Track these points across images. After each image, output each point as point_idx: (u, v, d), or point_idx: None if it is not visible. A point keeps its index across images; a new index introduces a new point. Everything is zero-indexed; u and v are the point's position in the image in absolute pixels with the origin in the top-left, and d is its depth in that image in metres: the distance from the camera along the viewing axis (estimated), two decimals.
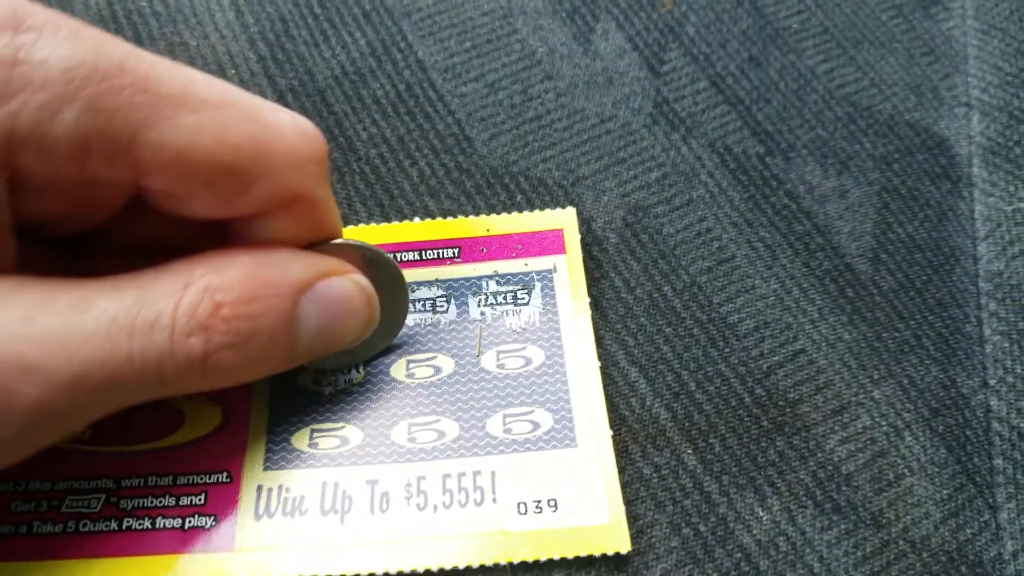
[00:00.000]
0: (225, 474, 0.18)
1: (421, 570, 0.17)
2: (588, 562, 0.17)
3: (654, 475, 0.19)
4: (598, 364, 0.20)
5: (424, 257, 0.21)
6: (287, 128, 0.15)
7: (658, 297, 0.21)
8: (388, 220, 0.22)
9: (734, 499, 0.19)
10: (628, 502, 0.19)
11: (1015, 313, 0.22)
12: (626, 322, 0.21)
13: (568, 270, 0.21)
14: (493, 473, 0.18)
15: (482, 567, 0.17)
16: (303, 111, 0.23)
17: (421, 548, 0.17)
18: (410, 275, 0.20)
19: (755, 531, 0.18)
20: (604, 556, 0.17)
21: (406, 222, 0.21)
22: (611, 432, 0.19)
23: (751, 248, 0.22)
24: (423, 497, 0.18)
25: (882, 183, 0.24)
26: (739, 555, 0.18)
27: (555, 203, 0.22)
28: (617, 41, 0.25)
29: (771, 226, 0.23)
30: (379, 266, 0.18)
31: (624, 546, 0.17)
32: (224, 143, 0.14)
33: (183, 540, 0.17)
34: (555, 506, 0.17)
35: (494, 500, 0.18)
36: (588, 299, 0.20)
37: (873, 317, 0.22)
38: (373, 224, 0.22)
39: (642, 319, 0.21)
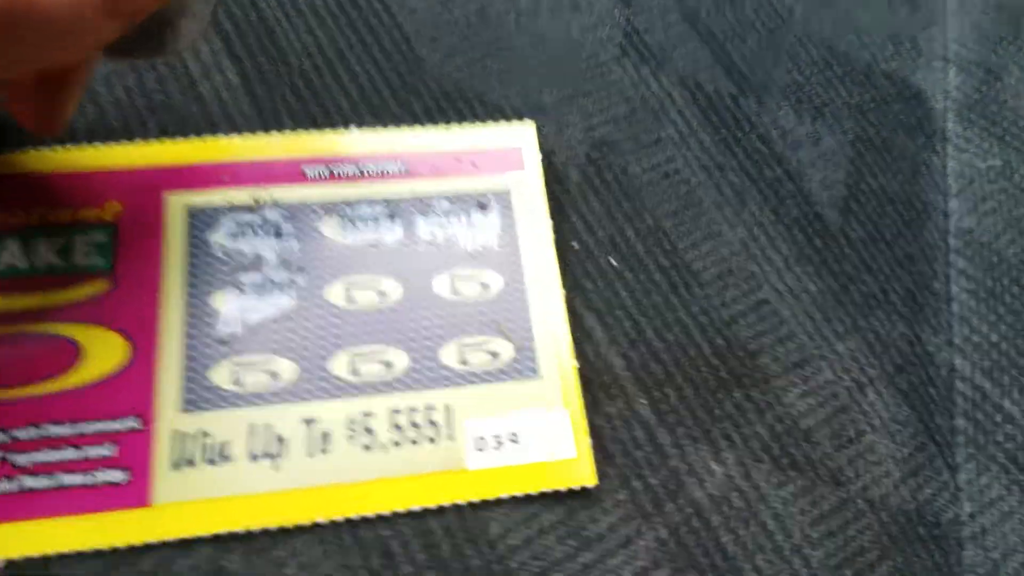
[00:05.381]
0: (136, 419, 0.16)
1: (372, 516, 0.15)
2: (553, 498, 0.16)
3: (605, 425, 0.18)
4: (562, 292, 0.18)
5: (365, 172, 0.19)
6: None
7: (620, 240, 0.20)
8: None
9: (687, 452, 0.18)
10: None
11: (983, 271, 0.21)
12: (584, 265, 0.19)
13: (527, 189, 0.19)
14: (448, 407, 0.16)
15: (440, 508, 0.16)
16: (229, 14, 0.21)
17: (369, 492, 0.15)
18: (349, 191, 0.18)
19: (708, 485, 0.17)
20: (570, 491, 0.16)
21: (342, 130, 0.19)
22: (575, 363, 0.17)
23: (719, 192, 0.21)
24: (370, 436, 0.16)
25: (856, 132, 0.23)
26: (690, 510, 0.17)
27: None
28: None
29: (741, 170, 0.21)
30: None
31: (590, 480, 0.16)
32: None
33: (92, 498, 0.15)
34: (516, 440, 0.16)
35: (450, 437, 0.16)
36: (550, 221, 0.19)
37: (840, 269, 0.20)
38: (301, 131, 0.19)
39: (601, 262, 0.19)
